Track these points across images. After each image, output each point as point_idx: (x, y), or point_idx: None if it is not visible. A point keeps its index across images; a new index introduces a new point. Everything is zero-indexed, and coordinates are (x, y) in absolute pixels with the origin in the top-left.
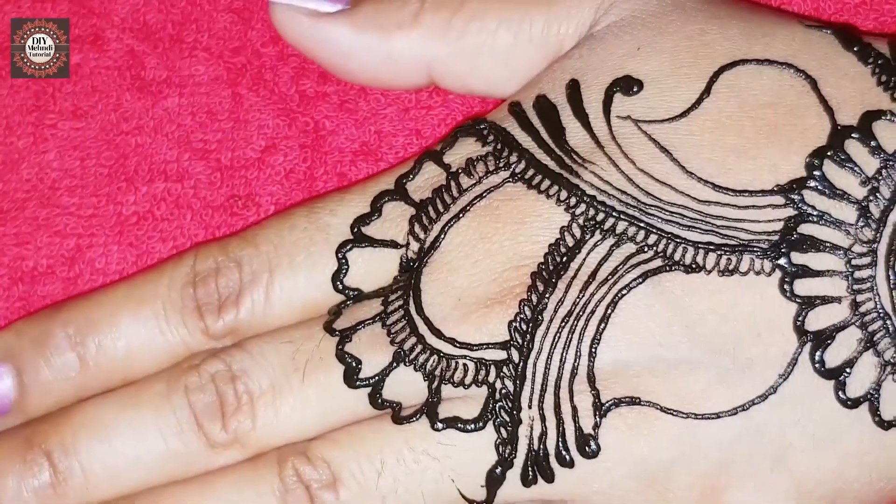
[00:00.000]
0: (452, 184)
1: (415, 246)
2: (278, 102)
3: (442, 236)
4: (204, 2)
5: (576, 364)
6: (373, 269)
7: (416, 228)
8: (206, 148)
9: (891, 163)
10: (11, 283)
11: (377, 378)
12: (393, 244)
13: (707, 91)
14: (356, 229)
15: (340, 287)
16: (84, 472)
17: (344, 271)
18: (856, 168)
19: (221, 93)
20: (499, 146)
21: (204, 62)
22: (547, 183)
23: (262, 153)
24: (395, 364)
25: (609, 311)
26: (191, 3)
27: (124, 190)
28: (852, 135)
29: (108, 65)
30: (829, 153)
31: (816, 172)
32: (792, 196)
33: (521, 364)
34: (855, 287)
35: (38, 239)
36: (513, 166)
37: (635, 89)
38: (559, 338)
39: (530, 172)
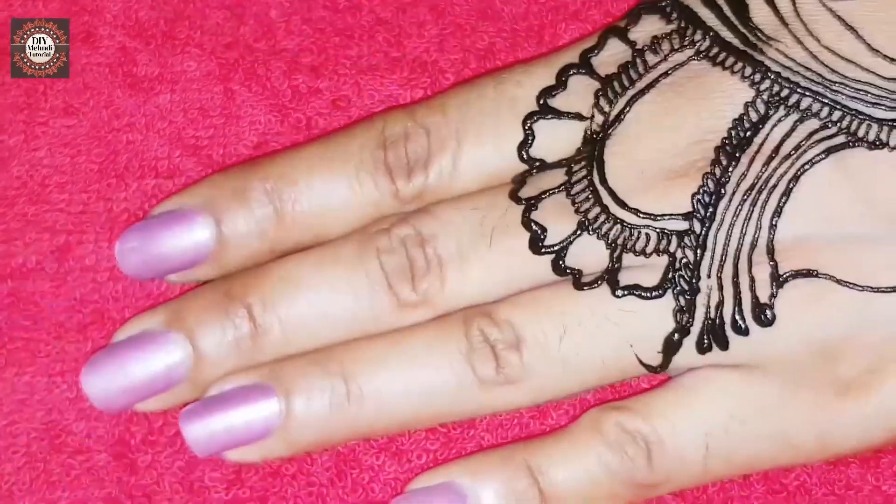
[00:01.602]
0: (638, 60)
1: (599, 118)
2: (270, 98)
3: (627, 110)
4: None
5: (756, 236)
6: (557, 140)
7: (602, 101)
8: (197, 144)
9: None
10: (0, 279)
11: (561, 245)
12: (578, 116)
13: None
14: (542, 101)
15: (526, 157)
16: (282, 327)
17: (530, 142)
18: None
19: (213, 88)
20: (683, 24)
21: (196, 58)
22: (732, 60)
23: (254, 149)
24: (579, 232)
25: (791, 185)
26: None
27: (114, 186)
28: None
29: (100, 62)
30: None
31: None
32: None
33: (703, 235)
34: None
35: (27, 235)
36: (697, 44)
37: None
38: (741, 210)
39: (715, 50)
